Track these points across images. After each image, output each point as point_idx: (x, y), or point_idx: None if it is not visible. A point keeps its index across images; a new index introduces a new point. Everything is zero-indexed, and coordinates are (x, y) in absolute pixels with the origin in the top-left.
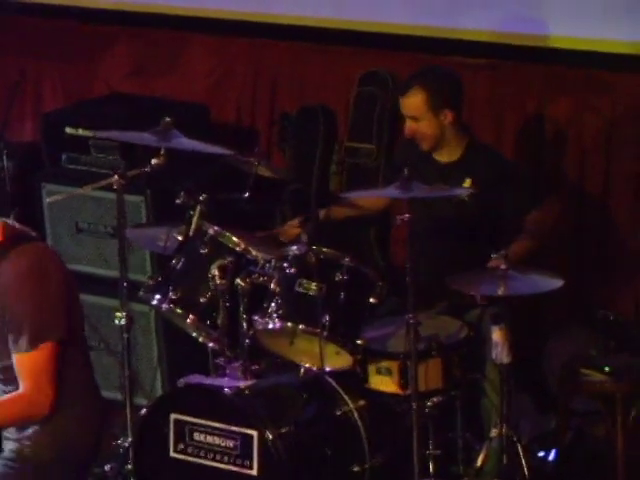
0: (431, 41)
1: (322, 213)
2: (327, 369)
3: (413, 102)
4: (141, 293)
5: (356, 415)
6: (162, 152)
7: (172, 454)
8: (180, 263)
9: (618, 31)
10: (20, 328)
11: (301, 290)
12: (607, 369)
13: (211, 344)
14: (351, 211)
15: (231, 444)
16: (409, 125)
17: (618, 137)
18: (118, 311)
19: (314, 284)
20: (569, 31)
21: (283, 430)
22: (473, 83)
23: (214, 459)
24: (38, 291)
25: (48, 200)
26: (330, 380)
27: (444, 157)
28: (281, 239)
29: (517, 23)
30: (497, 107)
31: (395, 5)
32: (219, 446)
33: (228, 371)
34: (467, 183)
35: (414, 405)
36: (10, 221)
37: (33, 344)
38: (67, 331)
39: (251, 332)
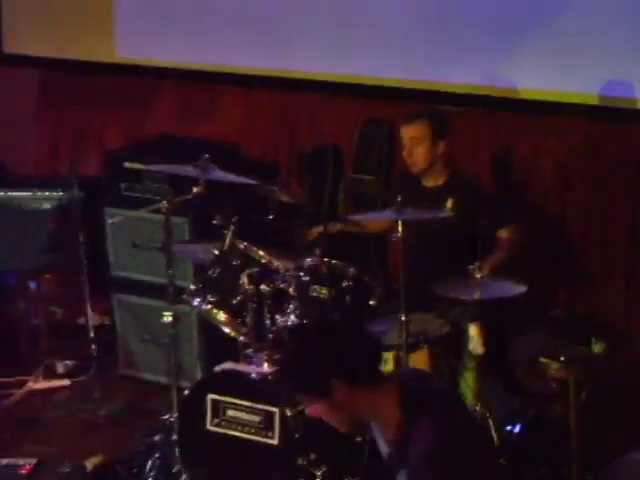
0: (421, 92)
1: (337, 227)
2: None
3: (419, 128)
4: (184, 296)
5: None
6: (201, 182)
7: (209, 427)
8: (216, 272)
9: (573, 84)
10: None
11: (314, 294)
12: (562, 359)
13: (241, 338)
14: (358, 229)
15: (257, 419)
16: (409, 148)
17: (571, 171)
18: (165, 311)
19: (325, 289)
20: (533, 84)
21: (299, 408)
22: (455, 127)
23: (243, 431)
24: None
25: (110, 221)
26: None
27: (431, 182)
28: (308, 237)
29: (491, 78)
30: (474, 146)
31: (391, 63)
32: (247, 421)
33: (255, 360)
34: (449, 203)
35: None
36: None
37: None
38: None
39: (274, 328)
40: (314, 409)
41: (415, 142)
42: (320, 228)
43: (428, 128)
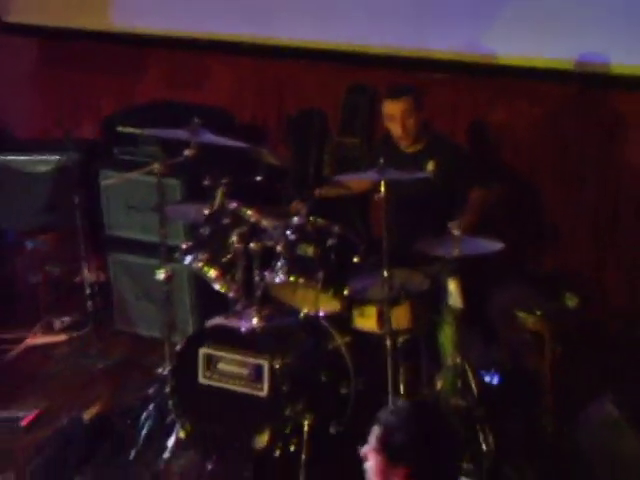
0: (403, 60)
1: (319, 191)
2: (321, 313)
3: (407, 102)
4: (177, 255)
5: (343, 349)
6: (193, 145)
7: (201, 380)
8: (207, 231)
9: (549, 51)
10: None
11: (301, 252)
12: (538, 312)
13: (231, 294)
14: (342, 191)
15: (246, 372)
16: (403, 121)
17: (545, 134)
18: (159, 269)
19: (311, 247)
20: (511, 51)
21: (287, 360)
22: (436, 92)
23: (233, 383)
24: None
25: (104, 183)
26: (323, 322)
27: (410, 149)
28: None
29: (471, 46)
30: (453, 110)
31: (375, 31)
32: (237, 373)
33: (244, 315)
34: (430, 165)
35: (388, 340)
36: None
37: None
38: None
39: (262, 284)
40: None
41: (406, 115)
42: (299, 201)
43: (413, 102)
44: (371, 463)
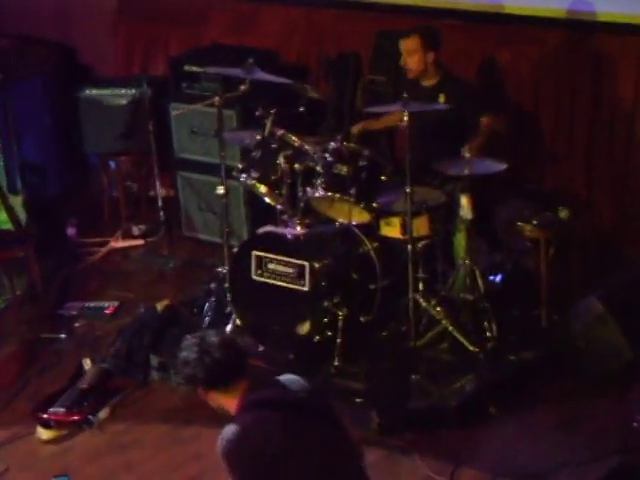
0: (424, 9)
1: (356, 128)
2: (353, 223)
3: (411, 42)
4: (234, 173)
5: (372, 253)
6: (247, 82)
7: (253, 277)
8: (258, 154)
9: (546, 1)
10: None
11: (337, 171)
12: (535, 222)
13: (278, 206)
14: (376, 125)
15: (291, 270)
16: (405, 58)
17: (543, 73)
18: (218, 185)
19: (345, 167)
20: (514, 2)
21: (325, 262)
22: (452, 37)
23: (280, 280)
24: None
25: (173, 113)
26: (355, 230)
27: (426, 82)
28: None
29: None
30: (467, 53)
31: None
32: (283, 272)
33: (289, 223)
34: (442, 98)
35: (410, 246)
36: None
37: None
38: None
39: (304, 198)
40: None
41: (409, 53)
42: (359, 127)
43: (419, 41)
44: None
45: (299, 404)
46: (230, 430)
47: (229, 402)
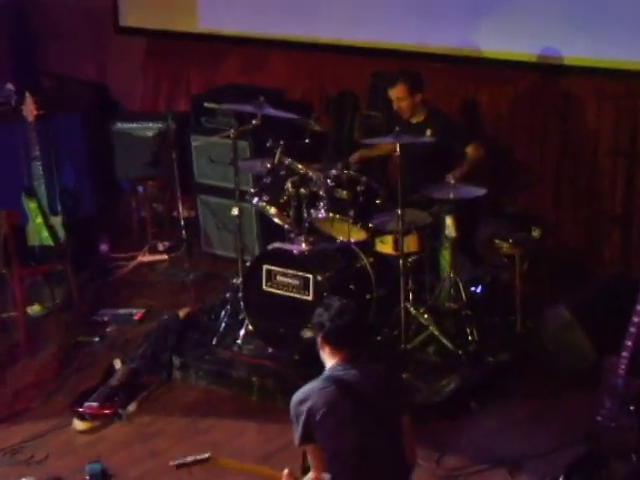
0: (410, 53)
1: (354, 157)
2: (352, 240)
3: (399, 90)
4: (247, 197)
5: (368, 267)
6: (258, 117)
7: (264, 288)
8: (269, 180)
9: (520, 47)
10: None
11: (337, 195)
12: (510, 240)
13: (286, 226)
14: (371, 153)
15: (297, 282)
16: (397, 104)
17: (518, 110)
18: (233, 207)
19: (345, 192)
20: (492, 47)
21: (327, 274)
22: (437, 78)
23: (287, 290)
24: None
25: (194, 144)
26: (354, 247)
27: (414, 120)
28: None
29: (462, 42)
30: (450, 92)
31: (390, 32)
32: (290, 283)
33: (296, 241)
34: (429, 132)
35: (401, 260)
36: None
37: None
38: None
39: (309, 219)
40: None
41: (399, 100)
42: (356, 156)
43: (405, 88)
44: None
45: (357, 393)
46: (304, 388)
47: (329, 359)
